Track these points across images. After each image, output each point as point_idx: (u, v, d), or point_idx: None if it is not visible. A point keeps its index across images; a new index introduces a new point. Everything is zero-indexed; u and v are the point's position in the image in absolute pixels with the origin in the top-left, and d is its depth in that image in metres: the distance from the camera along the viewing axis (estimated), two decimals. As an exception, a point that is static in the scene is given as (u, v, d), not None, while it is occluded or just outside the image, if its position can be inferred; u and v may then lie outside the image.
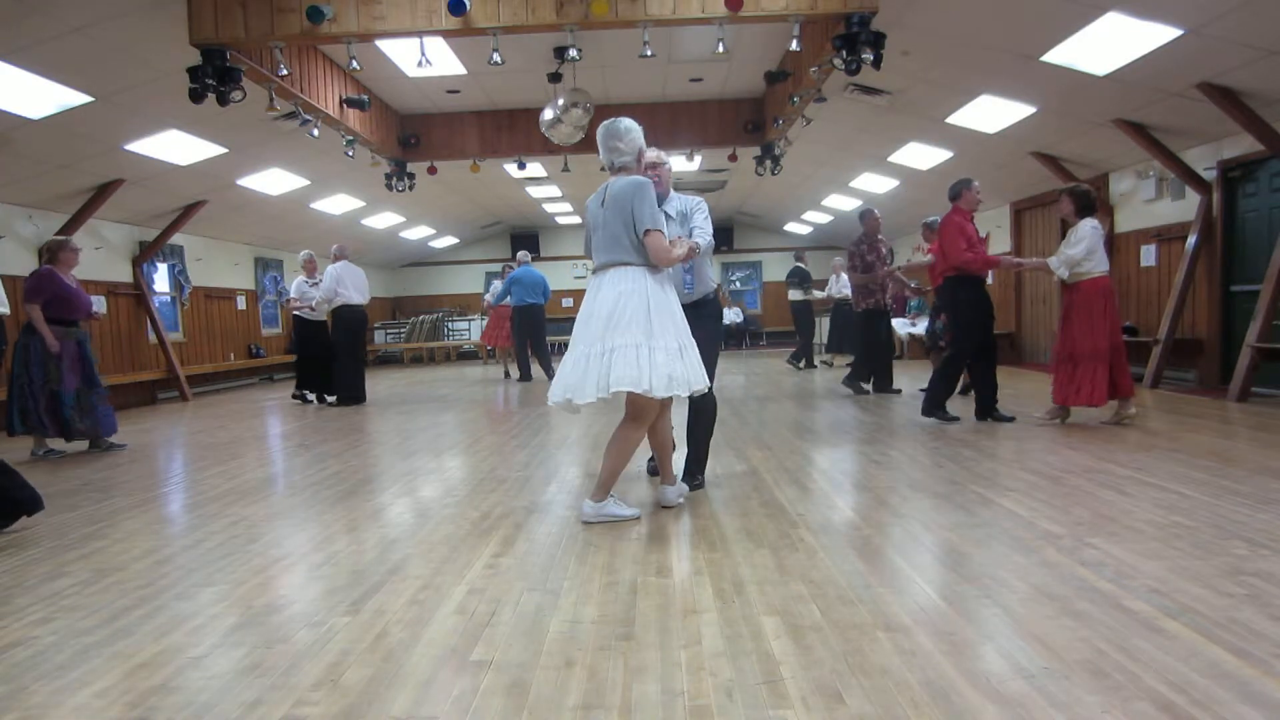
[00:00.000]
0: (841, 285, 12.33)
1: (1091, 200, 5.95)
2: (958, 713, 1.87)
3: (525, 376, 11.66)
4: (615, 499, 3.75)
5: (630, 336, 3.45)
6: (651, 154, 4.00)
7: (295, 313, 9.78)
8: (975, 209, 6.41)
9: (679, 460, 4.26)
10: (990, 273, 6.26)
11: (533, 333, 11.51)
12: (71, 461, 6.00)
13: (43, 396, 6.09)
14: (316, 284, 9.52)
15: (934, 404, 6.36)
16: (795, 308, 12.08)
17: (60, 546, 3.59)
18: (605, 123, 3.68)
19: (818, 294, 12.06)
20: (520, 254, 11.88)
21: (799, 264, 12.15)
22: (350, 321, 9.30)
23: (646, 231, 3.50)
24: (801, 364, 12.11)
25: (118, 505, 4.42)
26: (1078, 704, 1.89)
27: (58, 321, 6.16)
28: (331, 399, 9.61)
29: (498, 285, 12.22)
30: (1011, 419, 6.22)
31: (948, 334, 6.69)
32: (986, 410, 6.30)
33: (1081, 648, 2.18)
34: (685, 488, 4.10)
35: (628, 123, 3.65)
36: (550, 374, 11.54)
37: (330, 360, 9.48)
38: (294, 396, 9.94)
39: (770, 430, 6.30)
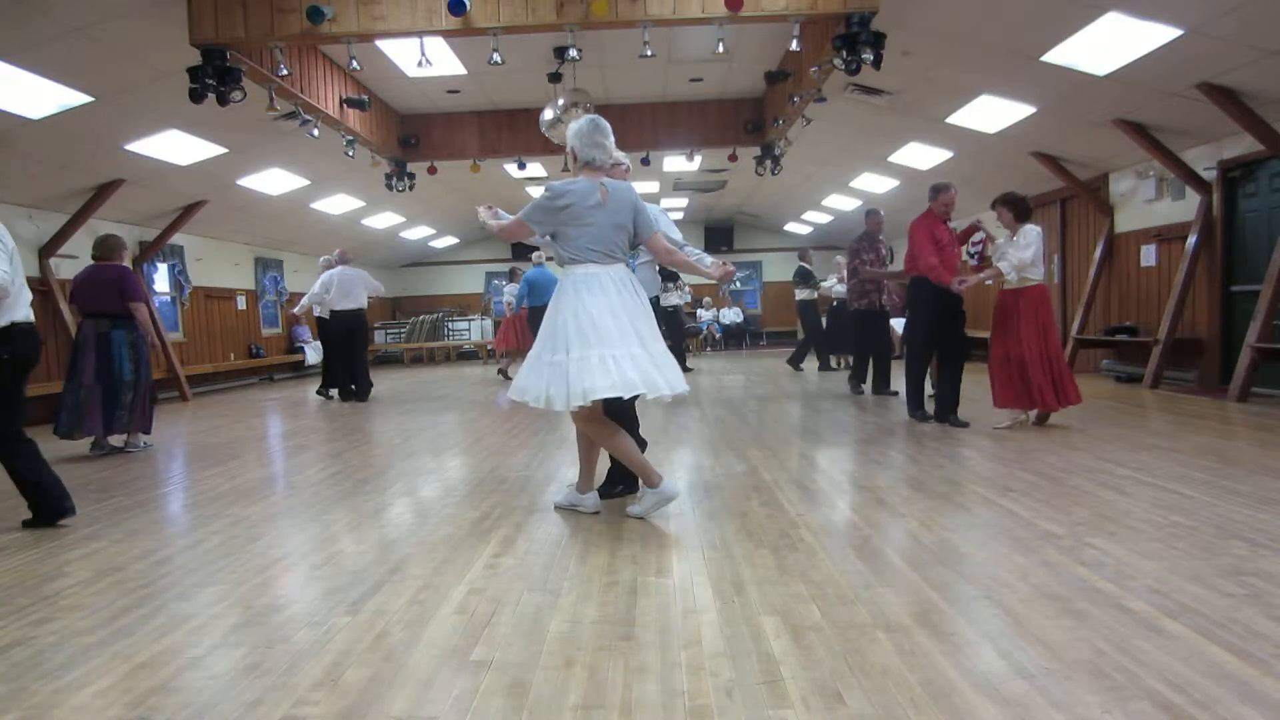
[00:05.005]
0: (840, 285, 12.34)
1: (1029, 206, 5.90)
2: (958, 713, 1.87)
3: None
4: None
5: (663, 344, 3.64)
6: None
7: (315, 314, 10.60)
8: (948, 212, 6.30)
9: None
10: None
11: None
12: (71, 461, 6.00)
13: (144, 392, 6.26)
14: None
15: (911, 404, 6.48)
16: (801, 308, 12.07)
17: (60, 546, 3.59)
18: (590, 117, 3.60)
19: (824, 287, 11.99)
20: (535, 254, 11.82)
21: (803, 263, 12.13)
22: (331, 324, 9.93)
23: (653, 234, 3.71)
24: (801, 365, 12.09)
25: (118, 505, 4.42)
26: (1078, 704, 1.89)
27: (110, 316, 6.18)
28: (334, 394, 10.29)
29: (513, 287, 12.07)
30: (965, 425, 6.04)
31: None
32: (944, 413, 6.21)
33: (1081, 648, 2.18)
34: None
35: (607, 124, 3.64)
36: None
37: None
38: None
39: (770, 430, 6.30)
